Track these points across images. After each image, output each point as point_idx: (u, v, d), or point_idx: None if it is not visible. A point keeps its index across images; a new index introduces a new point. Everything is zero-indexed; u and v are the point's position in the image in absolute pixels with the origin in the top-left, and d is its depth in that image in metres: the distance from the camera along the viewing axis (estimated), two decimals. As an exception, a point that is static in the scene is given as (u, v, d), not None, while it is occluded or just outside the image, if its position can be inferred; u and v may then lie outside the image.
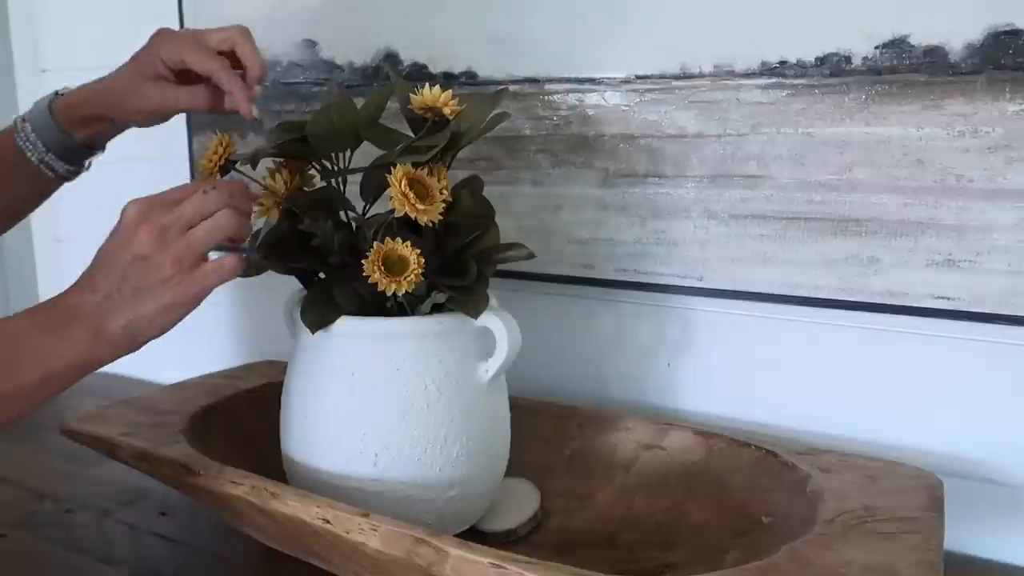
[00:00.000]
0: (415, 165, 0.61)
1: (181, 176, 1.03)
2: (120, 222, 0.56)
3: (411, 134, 0.64)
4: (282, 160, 0.65)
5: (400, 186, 0.58)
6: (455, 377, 0.61)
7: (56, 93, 0.72)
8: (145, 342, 0.56)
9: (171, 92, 0.68)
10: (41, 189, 0.75)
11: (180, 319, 0.57)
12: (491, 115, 0.64)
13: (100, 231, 0.56)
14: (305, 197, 0.65)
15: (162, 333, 0.56)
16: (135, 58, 0.69)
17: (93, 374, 0.56)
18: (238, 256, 0.58)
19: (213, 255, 0.58)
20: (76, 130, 0.71)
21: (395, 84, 0.65)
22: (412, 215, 0.58)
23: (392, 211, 0.59)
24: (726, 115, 0.72)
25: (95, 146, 0.74)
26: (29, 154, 0.71)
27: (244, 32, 0.67)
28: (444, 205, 0.60)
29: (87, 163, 0.75)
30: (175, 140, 1.04)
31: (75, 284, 0.57)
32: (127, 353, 0.56)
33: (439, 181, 0.63)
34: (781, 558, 0.51)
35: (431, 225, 0.60)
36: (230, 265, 0.57)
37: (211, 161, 0.62)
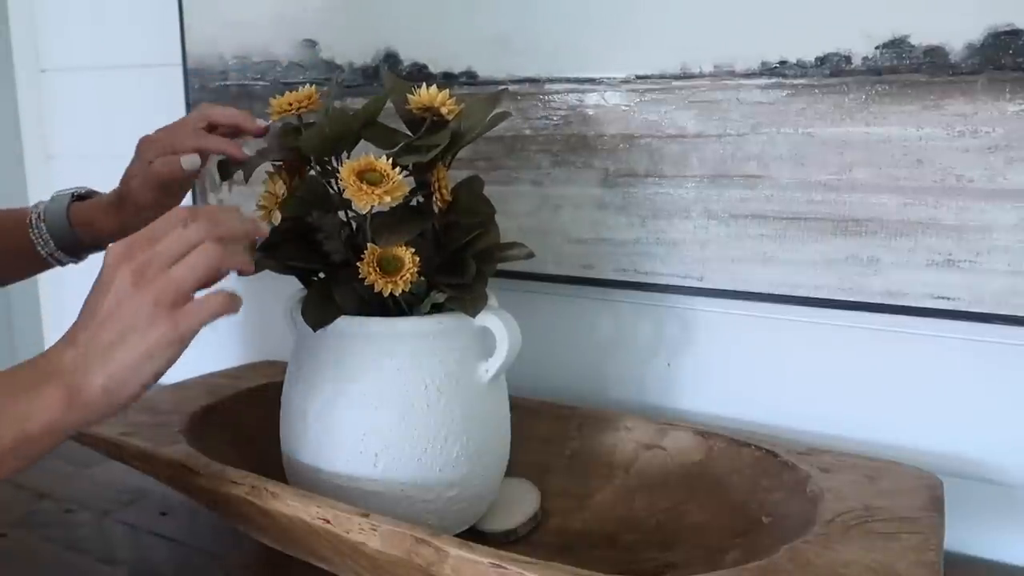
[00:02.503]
0: (416, 165, 0.61)
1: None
2: (102, 266, 0.51)
3: (410, 134, 0.64)
4: (281, 163, 0.65)
5: (351, 182, 0.57)
6: (455, 377, 0.61)
7: (73, 196, 0.74)
8: (125, 403, 0.50)
9: (171, 198, 0.73)
10: (37, 270, 0.78)
11: (164, 368, 0.50)
12: (491, 115, 0.64)
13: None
14: (311, 190, 0.64)
15: (143, 388, 0.50)
16: (130, 173, 0.72)
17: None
18: (226, 294, 0.51)
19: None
20: (89, 240, 0.75)
21: (389, 84, 0.65)
22: (376, 203, 0.57)
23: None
24: (726, 115, 0.72)
25: (102, 247, 0.77)
26: (39, 248, 0.74)
27: (207, 104, 0.71)
28: (403, 178, 0.59)
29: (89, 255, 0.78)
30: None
31: (62, 337, 0.51)
32: (106, 416, 0.50)
33: (438, 180, 0.63)
34: (781, 558, 0.51)
35: (374, 205, 0.58)
36: (217, 303, 0.51)
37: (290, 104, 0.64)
